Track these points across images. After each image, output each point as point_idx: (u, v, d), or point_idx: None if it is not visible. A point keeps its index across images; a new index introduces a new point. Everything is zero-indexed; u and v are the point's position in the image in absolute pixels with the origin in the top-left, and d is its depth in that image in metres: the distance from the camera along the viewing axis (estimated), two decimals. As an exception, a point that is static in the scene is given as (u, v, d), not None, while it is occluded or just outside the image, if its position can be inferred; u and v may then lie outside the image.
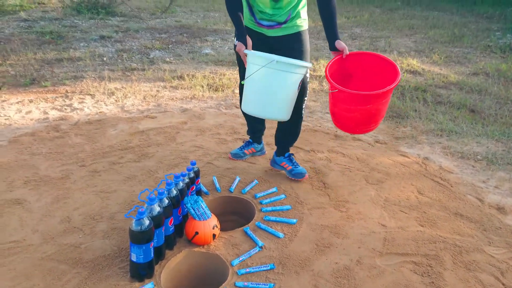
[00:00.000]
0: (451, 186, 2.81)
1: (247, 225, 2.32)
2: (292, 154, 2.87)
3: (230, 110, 4.06)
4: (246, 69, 2.40)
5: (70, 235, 2.19)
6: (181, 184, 2.22)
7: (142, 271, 1.92)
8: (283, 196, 2.58)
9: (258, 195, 2.58)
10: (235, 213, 2.56)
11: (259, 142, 3.07)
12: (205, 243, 2.14)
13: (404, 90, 4.68)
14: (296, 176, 2.78)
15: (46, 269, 1.96)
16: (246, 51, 2.36)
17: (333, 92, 2.33)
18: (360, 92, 2.26)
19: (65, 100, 4.13)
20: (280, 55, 2.29)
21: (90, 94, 4.28)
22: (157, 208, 1.96)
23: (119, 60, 5.47)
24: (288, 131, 2.75)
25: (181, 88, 4.60)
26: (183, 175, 2.32)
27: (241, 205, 2.55)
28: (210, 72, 5.14)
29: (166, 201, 2.06)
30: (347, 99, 2.30)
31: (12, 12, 7.38)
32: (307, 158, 3.11)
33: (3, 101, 4.05)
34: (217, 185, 2.65)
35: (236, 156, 3.04)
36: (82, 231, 2.23)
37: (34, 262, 2.00)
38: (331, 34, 2.40)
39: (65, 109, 3.92)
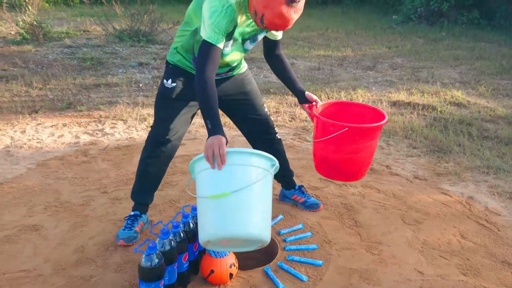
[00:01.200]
0: (498, 230, 2.54)
1: (268, 265, 2.14)
2: (303, 186, 2.73)
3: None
4: (222, 176, 1.69)
5: (82, 266, 2.09)
6: (191, 224, 2.08)
7: (151, 311, 1.77)
8: (309, 234, 2.39)
9: (282, 231, 2.40)
10: (257, 251, 2.38)
11: (146, 211, 2.41)
12: (221, 282, 1.98)
13: (447, 123, 4.41)
14: (311, 207, 2.64)
15: (52, 303, 1.85)
16: (231, 150, 1.70)
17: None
18: (348, 125, 2.10)
19: (98, 125, 4.13)
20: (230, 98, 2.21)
21: (123, 120, 4.28)
22: (170, 243, 1.83)
23: (155, 87, 5.50)
24: (284, 164, 2.59)
25: (213, 115, 4.53)
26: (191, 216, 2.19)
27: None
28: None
29: (181, 235, 1.93)
30: (334, 138, 2.14)
31: (57, 39, 7.66)
32: (338, 192, 2.91)
33: (38, 124, 4.10)
34: None
35: (129, 240, 2.26)
36: (94, 263, 2.12)
37: (41, 294, 1.90)
38: (298, 88, 2.32)
39: (97, 133, 3.92)
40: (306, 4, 2.24)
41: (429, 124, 4.37)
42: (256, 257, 2.35)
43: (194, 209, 2.09)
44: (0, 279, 1.99)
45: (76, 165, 3.24)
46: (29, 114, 4.34)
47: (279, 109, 4.77)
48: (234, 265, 2.00)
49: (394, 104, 5.08)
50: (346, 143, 2.13)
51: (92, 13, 10.20)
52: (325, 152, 2.24)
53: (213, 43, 1.85)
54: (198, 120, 4.36)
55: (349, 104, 2.49)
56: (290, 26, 1.85)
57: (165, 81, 2.19)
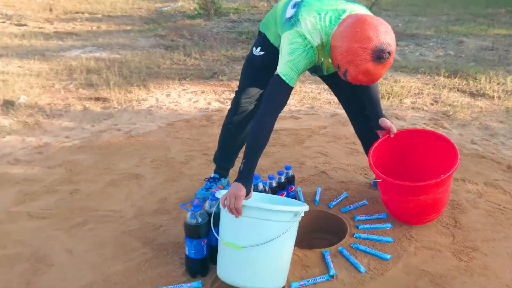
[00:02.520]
0: None
1: (328, 248, 2.00)
2: None
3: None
4: (237, 226, 1.66)
5: (158, 216, 2.27)
6: (260, 185, 2.05)
7: (193, 267, 1.84)
8: (389, 225, 2.14)
9: (359, 217, 2.20)
10: (327, 231, 2.25)
11: (227, 176, 2.46)
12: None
13: None
14: None
15: (120, 242, 2.07)
16: (249, 204, 1.62)
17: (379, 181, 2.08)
18: (408, 184, 1.97)
19: (231, 94, 4.35)
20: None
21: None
22: (218, 206, 1.85)
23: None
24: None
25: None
26: (270, 178, 2.15)
27: (333, 223, 2.23)
28: (384, 78, 4.72)
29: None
30: (396, 189, 2.04)
31: (226, 14, 8.23)
32: (452, 187, 2.51)
33: (183, 89, 4.52)
34: (317, 197, 2.38)
35: (200, 195, 2.37)
36: (169, 214, 2.28)
37: (116, 233, 2.13)
38: (375, 113, 2.15)
39: (226, 102, 4.14)
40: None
41: None
42: (325, 239, 2.23)
43: (256, 178, 2.07)
44: (92, 214, 2.30)
45: (195, 128, 3.49)
46: (179, 80, 4.81)
47: (422, 91, 4.31)
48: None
49: None
50: (400, 193, 2.05)
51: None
52: (383, 195, 2.20)
53: (287, 81, 1.76)
54: (327, 96, 4.24)
55: (424, 133, 2.28)
56: (380, 78, 1.68)
57: (254, 48, 2.18)
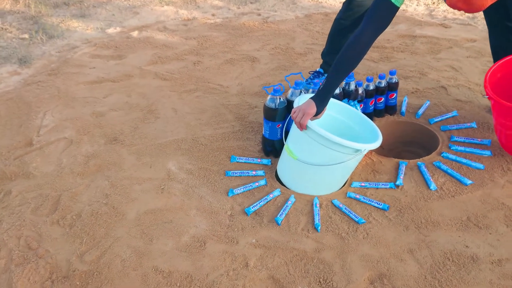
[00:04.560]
0: None
1: (407, 160, 1.92)
2: None
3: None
4: (300, 139, 1.70)
5: (256, 97, 2.41)
6: (352, 85, 2.01)
7: (268, 147, 1.97)
8: (487, 152, 1.93)
9: (456, 138, 2.02)
10: (419, 146, 2.13)
11: None
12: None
13: None
14: None
15: (217, 112, 2.28)
16: (315, 128, 1.57)
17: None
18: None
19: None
20: None
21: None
22: (296, 94, 1.90)
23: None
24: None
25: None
26: (369, 80, 2.08)
27: (427, 139, 2.09)
28: None
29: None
30: (505, 112, 1.77)
31: None
32: None
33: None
34: (420, 111, 2.22)
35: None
36: (266, 98, 2.40)
37: (216, 104, 2.35)
38: None
39: None
40: None
41: None
42: (413, 151, 2.14)
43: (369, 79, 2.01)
44: (203, 85, 2.55)
45: (330, 22, 3.41)
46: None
47: None
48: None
49: None
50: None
51: None
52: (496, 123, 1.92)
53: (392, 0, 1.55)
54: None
55: None
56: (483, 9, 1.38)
57: None
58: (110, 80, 2.61)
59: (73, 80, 2.62)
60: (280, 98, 1.87)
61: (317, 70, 2.42)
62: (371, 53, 2.86)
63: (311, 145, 1.64)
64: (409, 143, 2.19)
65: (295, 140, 1.72)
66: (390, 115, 2.23)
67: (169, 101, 2.38)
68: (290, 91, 1.93)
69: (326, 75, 2.36)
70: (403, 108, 2.25)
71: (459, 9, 1.43)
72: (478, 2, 1.37)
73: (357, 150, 1.61)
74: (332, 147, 1.60)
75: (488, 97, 1.78)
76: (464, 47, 2.96)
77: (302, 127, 1.61)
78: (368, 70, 2.68)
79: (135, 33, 3.31)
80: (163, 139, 2.06)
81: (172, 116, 2.25)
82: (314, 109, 1.60)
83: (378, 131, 1.75)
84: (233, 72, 2.69)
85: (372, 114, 2.19)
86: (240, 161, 1.93)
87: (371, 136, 1.75)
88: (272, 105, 1.87)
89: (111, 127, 2.16)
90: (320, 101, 1.62)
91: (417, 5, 3.80)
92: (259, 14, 3.72)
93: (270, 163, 1.92)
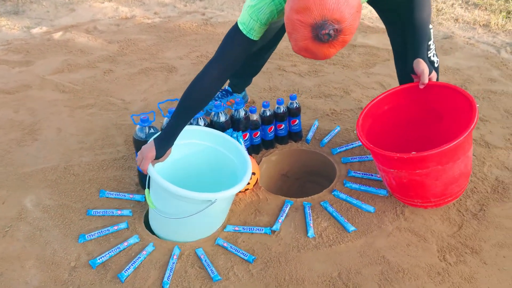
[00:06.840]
0: None
1: (292, 199, 1.73)
2: None
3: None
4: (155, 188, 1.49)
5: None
6: (241, 112, 1.81)
7: (143, 179, 1.76)
8: (382, 192, 1.75)
9: (353, 173, 1.84)
10: (319, 175, 1.95)
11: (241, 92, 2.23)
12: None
13: None
14: None
15: (104, 132, 2.09)
16: (158, 180, 1.38)
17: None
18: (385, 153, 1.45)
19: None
20: None
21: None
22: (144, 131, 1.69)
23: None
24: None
25: None
26: (265, 106, 1.88)
27: (326, 167, 1.92)
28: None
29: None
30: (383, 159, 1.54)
31: None
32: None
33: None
34: (310, 133, 2.05)
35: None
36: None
37: (108, 122, 2.16)
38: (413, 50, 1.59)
39: None
40: None
41: None
42: (316, 182, 1.96)
43: (238, 103, 1.82)
44: (103, 100, 2.34)
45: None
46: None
47: None
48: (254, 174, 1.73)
49: None
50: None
51: None
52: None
53: (244, 32, 1.39)
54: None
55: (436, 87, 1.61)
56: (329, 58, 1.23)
57: None
58: (5, 92, 2.40)
59: (-36, 90, 2.42)
60: (151, 128, 1.68)
61: (225, 88, 2.22)
62: (299, 66, 2.65)
63: (160, 195, 1.46)
64: (314, 172, 2.01)
65: (153, 187, 1.51)
66: (295, 141, 2.03)
67: (58, 118, 2.18)
68: (165, 120, 1.73)
69: (234, 94, 2.18)
70: (310, 134, 2.05)
71: (305, 57, 1.26)
72: (321, 54, 1.19)
73: (208, 201, 1.41)
74: (176, 197, 1.40)
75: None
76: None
77: (144, 171, 1.42)
78: (291, 86, 2.47)
79: (58, 35, 3.08)
80: (31, 167, 1.87)
81: (52, 138, 2.05)
82: (153, 153, 1.41)
83: (247, 170, 1.54)
84: (143, 84, 2.48)
85: (274, 141, 2.00)
86: (110, 196, 1.74)
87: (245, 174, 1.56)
88: (142, 136, 1.67)
89: (-19, 151, 1.97)
90: (161, 145, 1.43)
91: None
92: (203, 14, 3.50)
93: (144, 199, 1.74)
